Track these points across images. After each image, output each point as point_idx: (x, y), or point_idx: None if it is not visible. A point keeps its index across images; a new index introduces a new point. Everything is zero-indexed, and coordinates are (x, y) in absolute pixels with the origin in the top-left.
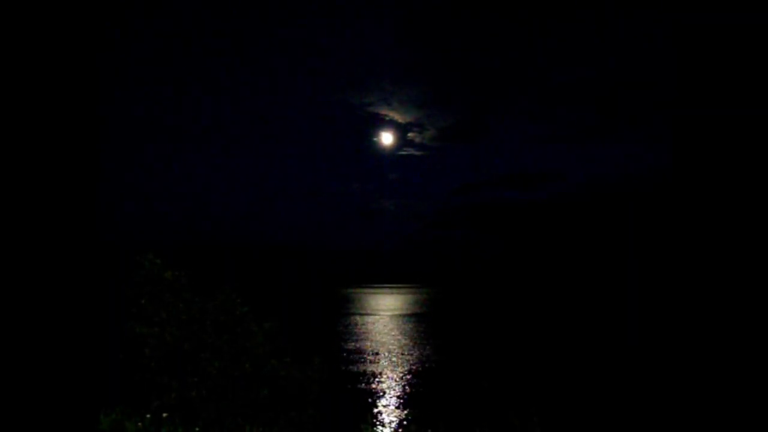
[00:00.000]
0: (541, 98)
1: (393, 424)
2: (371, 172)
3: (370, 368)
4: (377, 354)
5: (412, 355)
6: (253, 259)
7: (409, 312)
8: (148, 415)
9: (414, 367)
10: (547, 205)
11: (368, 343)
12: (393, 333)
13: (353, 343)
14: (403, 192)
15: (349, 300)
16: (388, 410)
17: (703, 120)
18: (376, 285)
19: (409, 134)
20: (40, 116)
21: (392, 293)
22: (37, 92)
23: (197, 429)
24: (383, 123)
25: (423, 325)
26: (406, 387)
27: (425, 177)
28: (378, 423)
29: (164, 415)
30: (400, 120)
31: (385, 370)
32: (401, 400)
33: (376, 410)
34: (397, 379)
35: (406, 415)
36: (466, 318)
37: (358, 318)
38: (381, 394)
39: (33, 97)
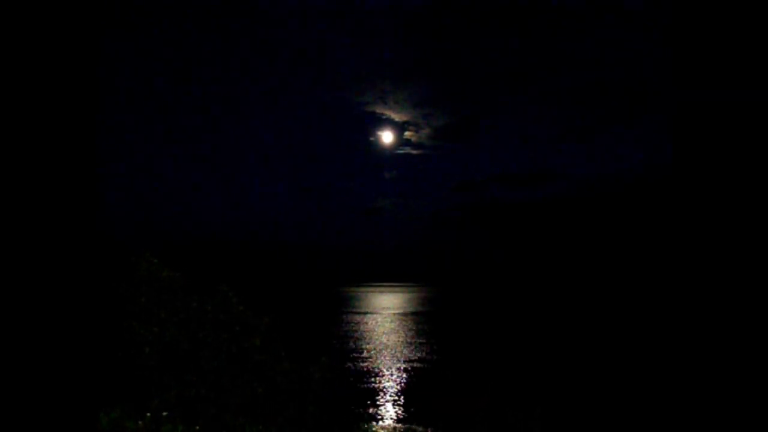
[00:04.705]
0: (537, 98)
1: (392, 422)
2: (368, 170)
3: (369, 366)
4: (376, 352)
5: (410, 353)
6: (251, 258)
7: (407, 311)
8: (148, 414)
9: (413, 366)
10: (544, 203)
11: (367, 342)
12: (392, 331)
13: (352, 342)
14: (400, 191)
15: (348, 299)
16: (388, 408)
17: (704, 113)
18: (374, 284)
19: (406, 133)
20: (40, 115)
21: (390, 292)
22: (37, 91)
23: (197, 427)
24: (380, 122)
25: (422, 323)
26: (405, 385)
27: (423, 176)
28: (377, 420)
29: (164, 413)
30: (396, 119)
31: (384, 368)
32: (400, 398)
33: (375, 408)
34: (396, 377)
35: (405, 413)
36: (465, 316)
37: (356, 317)
38: (380, 392)
39: (32, 96)
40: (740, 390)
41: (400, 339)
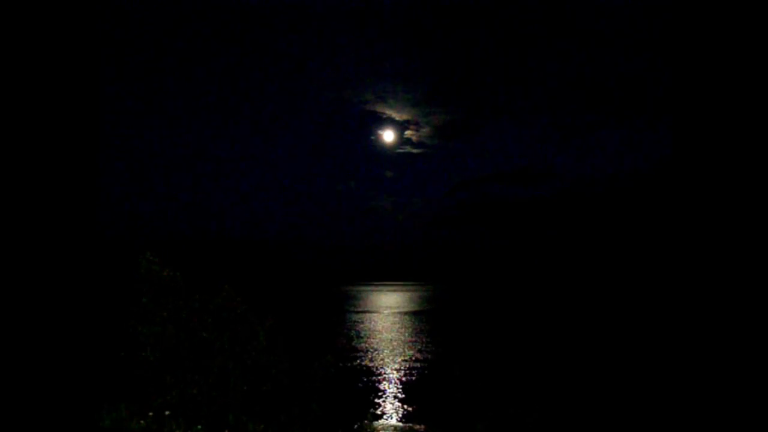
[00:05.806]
0: (537, 96)
1: (394, 420)
2: (369, 169)
3: (371, 365)
4: (378, 351)
5: (412, 351)
6: (252, 257)
7: (409, 309)
8: (150, 413)
9: (414, 364)
10: (545, 201)
11: (369, 340)
12: (394, 330)
13: (354, 340)
14: (401, 189)
15: (349, 297)
16: (390, 407)
17: (705, 112)
18: (375, 282)
19: (407, 132)
20: (40, 115)
21: (392, 291)
22: (37, 90)
23: (200, 427)
24: (380, 121)
25: (423, 322)
26: (407, 383)
27: (423, 175)
28: (379, 419)
29: (166, 413)
30: (397, 118)
31: (386, 366)
32: (402, 397)
33: (377, 407)
34: (398, 376)
35: (407, 411)
36: (466, 315)
37: (358, 315)
38: (382, 390)
39: (33, 95)
40: (739, 389)
41: (402, 337)
